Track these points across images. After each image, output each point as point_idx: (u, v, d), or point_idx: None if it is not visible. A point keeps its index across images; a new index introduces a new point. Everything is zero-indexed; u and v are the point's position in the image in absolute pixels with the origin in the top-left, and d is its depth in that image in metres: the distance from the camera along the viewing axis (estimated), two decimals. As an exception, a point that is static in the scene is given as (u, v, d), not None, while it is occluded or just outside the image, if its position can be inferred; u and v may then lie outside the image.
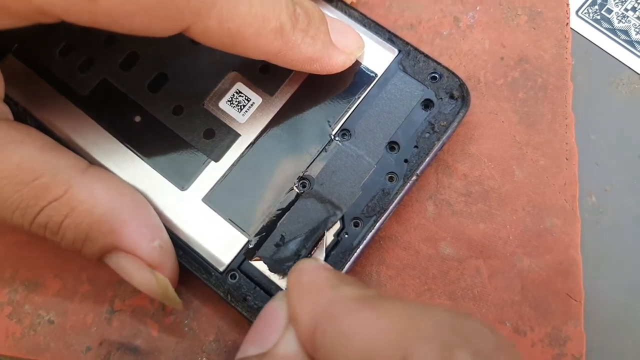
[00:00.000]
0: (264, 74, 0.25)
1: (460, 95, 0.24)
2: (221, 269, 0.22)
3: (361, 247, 0.22)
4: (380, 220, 0.22)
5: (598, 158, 0.26)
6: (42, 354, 0.24)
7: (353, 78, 0.24)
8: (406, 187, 0.23)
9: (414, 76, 0.24)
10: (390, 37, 0.25)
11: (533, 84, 0.26)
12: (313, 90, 0.24)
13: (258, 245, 0.22)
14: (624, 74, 0.27)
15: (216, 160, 0.24)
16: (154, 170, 0.23)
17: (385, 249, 0.24)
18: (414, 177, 0.23)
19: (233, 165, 0.23)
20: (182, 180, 0.23)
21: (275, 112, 0.24)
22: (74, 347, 0.24)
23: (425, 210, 0.24)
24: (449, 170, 0.25)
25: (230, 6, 0.19)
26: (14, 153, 0.21)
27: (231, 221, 0.23)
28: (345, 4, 0.26)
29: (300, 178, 0.23)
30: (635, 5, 0.28)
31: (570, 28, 0.27)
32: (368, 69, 0.24)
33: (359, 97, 0.24)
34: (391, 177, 0.23)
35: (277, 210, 0.23)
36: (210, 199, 0.23)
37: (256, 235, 0.23)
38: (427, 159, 0.23)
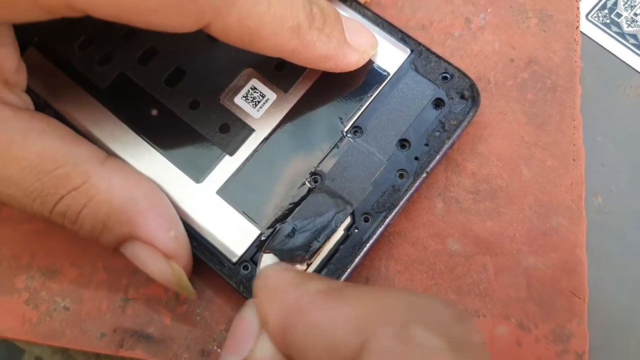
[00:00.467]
0: (278, 71, 0.25)
1: (471, 95, 0.24)
2: (234, 260, 0.23)
3: (371, 242, 0.23)
4: (390, 216, 0.23)
5: (604, 159, 0.27)
6: (57, 339, 0.25)
7: (366, 76, 0.25)
8: (416, 184, 0.23)
9: (426, 76, 0.25)
10: (402, 37, 0.25)
11: (542, 85, 0.27)
12: (326, 88, 0.25)
13: (270, 237, 0.23)
14: (632, 77, 0.28)
15: (231, 154, 0.24)
16: (170, 163, 0.24)
17: (394, 244, 0.25)
18: (424, 175, 0.23)
19: (247, 159, 0.24)
20: (198, 173, 0.24)
21: (289, 108, 0.25)
22: (89, 333, 0.25)
23: (434, 207, 0.25)
24: (458, 168, 0.25)
25: (250, 5, 0.20)
26: (36, 142, 0.21)
27: (244, 214, 0.23)
28: (359, 3, 0.26)
29: (312, 173, 0.24)
30: (645, 9, 0.28)
31: (580, 31, 0.27)
32: (381, 68, 0.25)
33: (371, 95, 0.25)
34: (401, 174, 0.23)
35: (289, 204, 0.23)
36: (224, 192, 0.24)
37: (268, 228, 0.23)
38: (437, 157, 0.23)
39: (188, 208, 0.24)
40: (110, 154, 0.24)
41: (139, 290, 0.25)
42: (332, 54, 0.23)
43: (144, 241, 0.22)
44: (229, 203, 0.24)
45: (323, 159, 0.24)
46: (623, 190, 0.26)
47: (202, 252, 0.23)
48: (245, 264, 0.23)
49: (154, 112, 0.25)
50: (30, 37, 0.26)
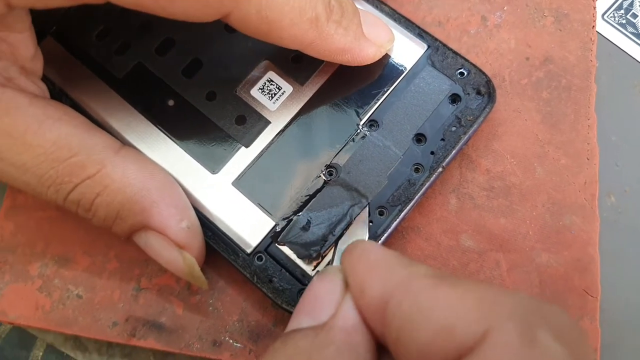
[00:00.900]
0: (295, 64, 0.25)
1: (487, 91, 0.24)
2: (248, 250, 0.23)
3: (385, 235, 0.23)
4: (405, 210, 0.23)
5: (618, 159, 0.27)
6: (70, 327, 0.25)
7: (382, 70, 0.25)
8: (432, 179, 0.23)
9: (442, 71, 0.25)
10: (419, 32, 0.25)
11: (557, 84, 0.27)
12: (343, 81, 0.25)
13: (285, 229, 0.23)
14: (647, 78, 0.28)
15: (246, 146, 0.24)
16: (186, 153, 0.24)
17: (408, 239, 0.25)
18: (440, 169, 0.23)
19: (263, 151, 0.24)
20: (213, 163, 0.24)
21: (305, 101, 0.25)
22: (101, 321, 0.25)
23: (448, 203, 0.25)
24: (473, 165, 0.26)
25: None
26: (52, 130, 0.21)
27: (259, 205, 0.23)
28: (377, -2, 0.26)
29: (328, 166, 0.24)
30: (660, 11, 0.28)
31: (596, 31, 0.27)
32: (397, 63, 0.25)
33: (387, 90, 0.25)
34: (417, 168, 0.24)
35: (304, 196, 0.23)
36: (239, 183, 0.24)
37: (283, 219, 0.23)
38: (454, 151, 0.23)
39: (203, 198, 0.24)
40: (126, 143, 0.24)
41: (151, 280, 0.25)
42: (349, 47, 0.23)
43: (156, 231, 0.22)
44: (244, 194, 0.24)
45: (338, 152, 0.24)
46: (637, 190, 0.26)
47: (217, 243, 0.23)
48: (259, 254, 0.23)
49: (171, 102, 0.25)
50: (48, 27, 0.26)
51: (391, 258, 0.17)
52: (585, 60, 0.27)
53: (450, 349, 0.14)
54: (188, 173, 0.24)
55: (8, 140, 0.21)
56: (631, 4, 0.29)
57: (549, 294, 0.24)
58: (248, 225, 0.23)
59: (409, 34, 0.25)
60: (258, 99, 0.25)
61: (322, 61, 0.25)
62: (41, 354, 0.27)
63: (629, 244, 0.25)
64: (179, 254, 0.22)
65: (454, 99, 0.24)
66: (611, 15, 0.29)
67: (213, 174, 0.24)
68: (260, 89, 0.25)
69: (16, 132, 0.21)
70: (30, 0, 0.20)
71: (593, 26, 0.27)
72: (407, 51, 0.25)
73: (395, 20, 0.26)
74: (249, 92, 0.25)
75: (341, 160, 0.24)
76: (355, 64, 0.24)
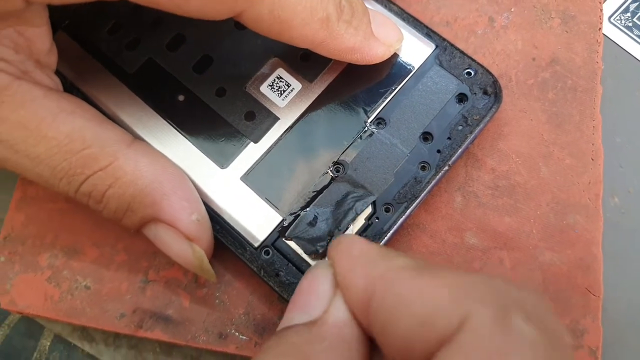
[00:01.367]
0: (304, 62, 0.25)
1: (494, 91, 0.25)
2: (256, 244, 0.23)
3: (391, 232, 0.23)
4: (411, 207, 0.23)
5: (622, 161, 0.27)
6: (78, 317, 0.25)
7: (390, 69, 0.25)
8: (438, 177, 0.24)
9: (450, 71, 0.25)
10: (428, 32, 0.26)
11: (563, 85, 0.27)
12: (351, 79, 0.25)
13: (292, 224, 0.23)
14: (653, 81, 0.28)
15: (255, 142, 0.25)
16: (196, 148, 0.24)
17: (413, 236, 0.25)
18: (446, 167, 0.24)
19: (271, 147, 0.24)
20: (222, 158, 0.24)
21: (314, 98, 0.25)
22: (109, 313, 0.25)
23: (453, 201, 0.25)
24: (478, 163, 0.26)
25: None
26: (65, 123, 0.22)
27: (267, 200, 0.24)
28: (386, -2, 0.26)
29: (335, 163, 0.24)
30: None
31: (602, 33, 0.28)
32: (405, 62, 0.25)
33: (395, 88, 0.25)
34: (424, 166, 0.24)
35: (311, 192, 0.24)
36: (248, 178, 0.24)
37: (290, 214, 0.24)
38: (460, 150, 0.24)
39: (212, 193, 0.24)
40: (137, 137, 0.24)
41: (159, 272, 0.26)
42: (358, 46, 0.23)
43: (167, 223, 0.22)
44: (252, 189, 0.24)
45: (346, 149, 0.24)
46: (640, 192, 0.27)
47: (225, 236, 0.24)
48: (266, 249, 0.23)
49: (181, 97, 0.25)
50: (61, 21, 0.27)
51: (373, 251, 0.18)
52: (591, 62, 0.27)
53: (432, 339, 0.15)
54: (197, 167, 0.24)
55: (23, 132, 0.21)
56: (638, 7, 0.29)
57: (552, 292, 0.24)
58: (256, 219, 0.24)
59: (417, 33, 0.26)
60: (267, 95, 0.25)
61: (331, 59, 0.25)
62: (49, 343, 0.27)
63: (631, 244, 0.26)
64: (189, 247, 0.23)
65: (461, 98, 0.25)
66: (618, 17, 0.29)
67: (222, 168, 0.24)
68: (269, 85, 0.25)
69: (31, 124, 0.21)
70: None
71: (599, 28, 0.27)
72: (415, 50, 0.25)
73: (403, 19, 0.26)
74: (259, 89, 0.25)
75: (348, 157, 0.24)
76: (365, 63, 0.24)
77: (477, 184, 0.26)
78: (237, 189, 0.24)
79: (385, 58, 0.24)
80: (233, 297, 0.25)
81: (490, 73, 0.25)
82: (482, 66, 0.25)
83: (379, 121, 0.25)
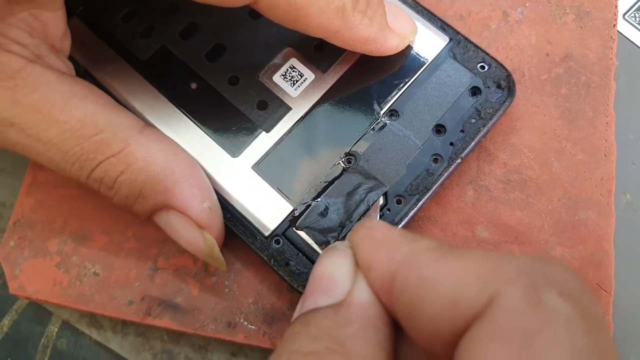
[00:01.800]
0: (317, 52, 0.25)
1: (507, 85, 0.24)
2: (266, 233, 0.23)
3: (402, 223, 0.23)
4: (423, 199, 0.23)
5: (635, 157, 0.27)
6: (86, 303, 0.25)
7: (404, 61, 0.25)
8: (450, 169, 0.23)
9: (464, 64, 0.25)
10: (442, 25, 0.26)
11: (576, 81, 0.27)
12: (364, 71, 0.25)
13: (303, 214, 0.23)
14: (666, 78, 0.28)
15: (267, 131, 0.24)
16: (207, 136, 0.24)
17: (424, 229, 0.25)
18: (459, 160, 0.24)
19: (283, 136, 0.24)
20: (234, 147, 0.24)
21: (327, 89, 0.25)
22: (117, 299, 0.25)
23: (465, 194, 0.25)
24: (490, 157, 0.26)
25: None
26: (78, 107, 0.21)
27: (278, 189, 0.24)
28: (400, -10, 0.26)
29: (347, 154, 0.24)
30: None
31: (617, 30, 0.27)
32: (419, 54, 0.25)
33: (408, 80, 0.25)
34: (436, 158, 0.24)
35: (323, 182, 0.24)
36: (259, 167, 0.24)
37: (301, 204, 0.24)
38: (473, 143, 0.24)
39: (223, 181, 0.24)
40: (149, 125, 0.24)
41: (168, 260, 0.26)
42: (373, 37, 0.23)
43: (178, 210, 0.22)
44: (263, 178, 0.24)
45: (358, 140, 0.24)
46: (652, 189, 0.26)
47: (235, 225, 0.24)
48: (277, 238, 0.23)
49: (194, 86, 0.25)
50: (75, 7, 0.27)
51: (395, 235, 0.18)
52: (605, 58, 0.27)
53: (459, 318, 0.14)
54: (209, 156, 0.24)
55: (35, 116, 0.21)
56: (652, 5, 0.29)
57: (562, 287, 0.24)
58: (266, 208, 0.24)
59: (431, 26, 0.26)
60: (280, 85, 0.25)
61: (344, 50, 0.25)
62: (56, 330, 0.27)
63: (643, 241, 0.26)
64: (200, 235, 0.23)
65: (474, 91, 0.25)
66: (632, 15, 0.29)
67: (233, 157, 0.24)
68: (282, 75, 0.25)
69: (44, 108, 0.21)
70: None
71: (614, 25, 0.27)
72: (429, 43, 0.25)
73: (418, 12, 0.26)
74: (271, 78, 0.25)
75: (360, 148, 0.24)
76: (379, 54, 0.24)
77: (489, 177, 0.25)
78: (248, 178, 0.24)
79: (399, 50, 0.24)
80: (242, 286, 0.25)
81: (503, 67, 0.25)
82: (495, 60, 0.25)
83: (392, 113, 0.25)
